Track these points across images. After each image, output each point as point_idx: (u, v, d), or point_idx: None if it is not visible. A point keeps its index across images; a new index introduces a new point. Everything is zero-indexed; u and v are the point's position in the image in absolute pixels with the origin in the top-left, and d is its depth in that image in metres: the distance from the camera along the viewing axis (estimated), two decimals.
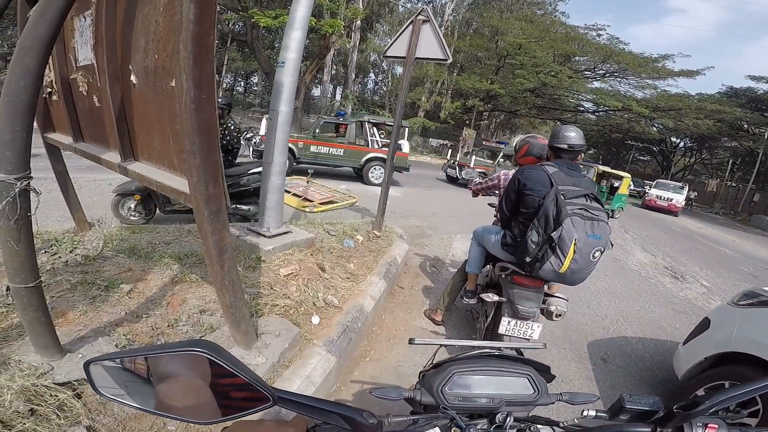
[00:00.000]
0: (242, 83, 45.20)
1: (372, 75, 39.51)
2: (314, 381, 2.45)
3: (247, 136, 11.28)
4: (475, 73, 29.79)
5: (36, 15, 1.60)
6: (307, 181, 8.35)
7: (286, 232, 3.80)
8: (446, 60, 4.84)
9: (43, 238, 3.54)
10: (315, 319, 3.03)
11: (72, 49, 2.75)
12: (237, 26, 24.85)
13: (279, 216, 3.79)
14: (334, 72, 30.77)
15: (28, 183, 1.53)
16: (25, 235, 1.62)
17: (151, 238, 3.89)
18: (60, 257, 3.29)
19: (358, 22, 24.01)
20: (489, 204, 4.23)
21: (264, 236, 3.64)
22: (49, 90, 3.19)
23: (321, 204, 7.10)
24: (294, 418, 0.80)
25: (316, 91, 31.65)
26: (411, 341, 1.15)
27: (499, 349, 1.08)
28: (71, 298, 2.75)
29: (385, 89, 37.13)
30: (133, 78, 2.15)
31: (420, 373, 1.09)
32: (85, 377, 0.64)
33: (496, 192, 3.68)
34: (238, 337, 2.37)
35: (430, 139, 31.01)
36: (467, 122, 31.20)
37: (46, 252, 3.32)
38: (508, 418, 0.83)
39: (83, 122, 3.05)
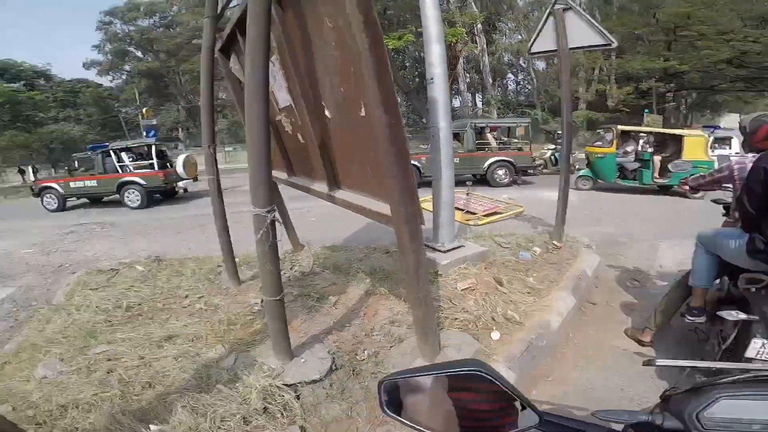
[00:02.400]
0: None
1: (510, 75, 36.75)
2: None
3: None
4: (640, 52, 25.44)
5: (249, 64, 1.97)
6: (467, 193, 8.30)
7: (459, 247, 3.86)
8: (609, 44, 4.23)
9: None
10: (495, 335, 2.95)
11: (272, 94, 3.19)
12: None
13: (452, 231, 3.88)
14: (468, 80, 30.03)
15: (275, 214, 1.96)
16: (274, 257, 2.06)
17: (347, 256, 4.48)
18: (285, 273, 4.07)
19: (479, 25, 23.22)
20: (714, 200, 3.45)
21: (439, 251, 3.77)
22: None
23: (485, 216, 6.97)
24: None
25: (456, 102, 31.38)
26: (649, 363, 1.01)
27: None
28: (294, 309, 3.34)
29: (530, 87, 34.30)
30: (327, 113, 2.45)
31: (662, 396, 0.96)
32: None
33: (729, 186, 2.99)
34: (425, 349, 2.47)
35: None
36: (646, 108, 26.38)
37: None
38: None
39: (293, 158, 3.70)
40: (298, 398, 2.33)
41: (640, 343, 3.23)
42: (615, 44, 4.33)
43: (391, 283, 3.63)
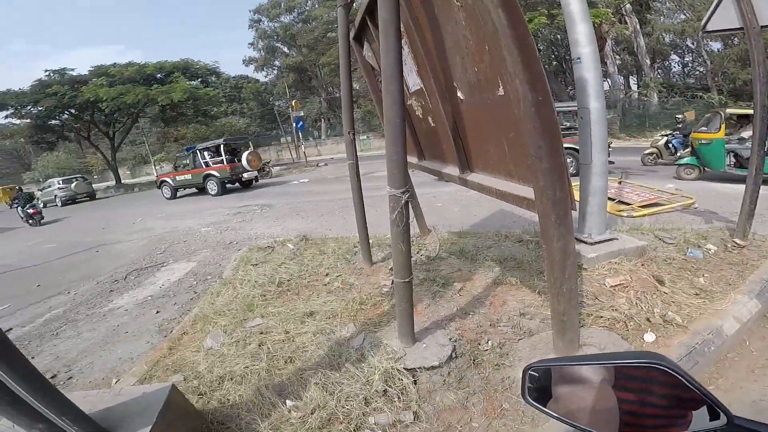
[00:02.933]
0: None
1: (675, 57, 31.32)
2: None
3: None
4: None
5: (383, 48, 1.99)
6: (619, 182, 7.28)
7: (611, 239, 3.41)
8: None
9: None
10: (649, 337, 2.59)
11: (403, 78, 3.32)
12: None
13: (602, 221, 3.46)
14: (620, 62, 26.63)
15: (409, 195, 1.98)
16: (407, 238, 2.10)
17: (475, 242, 4.36)
18: (412, 257, 4.17)
19: (628, 5, 20.35)
20: None
21: (585, 243, 3.39)
22: None
23: (642, 207, 5.99)
24: None
25: (605, 85, 27.95)
26: None
27: None
28: (419, 293, 3.38)
29: (702, 69, 28.66)
30: (459, 94, 2.39)
31: None
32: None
33: None
34: (561, 344, 2.26)
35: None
36: None
37: None
38: None
39: (423, 142, 3.71)
40: (416, 383, 2.36)
41: None
42: None
43: (523, 273, 3.41)
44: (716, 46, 25.68)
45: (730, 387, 2.42)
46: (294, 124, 24.09)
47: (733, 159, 8.48)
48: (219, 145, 14.62)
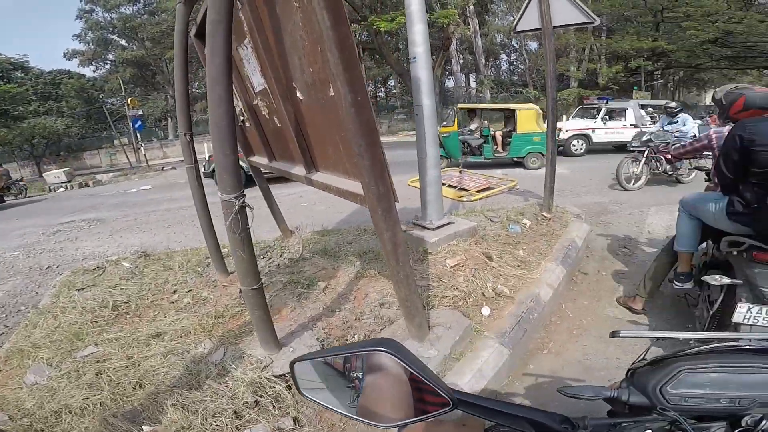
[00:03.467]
0: (382, 89, 47.75)
1: (504, 56, 37.52)
2: (485, 374, 2.37)
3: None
4: (629, 33, 26.34)
5: (209, 49, 1.90)
6: (459, 171, 8.30)
7: (448, 223, 3.81)
8: (592, 22, 4.28)
9: (260, 246, 4.35)
10: (485, 311, 2.94)
11: (247, 78, 3.14)
12: (363, 36, 26.56)
13: (440, 208, 3.82)
14: (462, 61, 30.34)
15: (243, 200, 1.88)
16: (247, 245, 1.99)
17: (337, 239, 4.41)
18: (273, 261, 4.01)
19: (471, 7, 23.24)
20: (696, 168, 3.44)
21: (428, 229, 3.71)
22: (242, 118, 3.83)
23: (478, 192, 6.92)
24: (471, 419, 0.76)
25: (450, 83, 31.50)
26: (614, 334, 0.98)
27: (737, 341, 0.85)
28: (283, 297, 3.29)
29: (522, 67, 34.81)
30: (299, 95, 2.38)
31: (628, 370, 0.94)
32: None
33: (707, 154, 2.99)
34: (413, 329, 2.44)
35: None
36: (635, 85, 26.95)
37: (263, 258, 4.09)
38: (764, 421, 0.66)
39: (272, 142, 3.60)
40: (290, 388, 2.29)
41: (632, 310, 3.24)
42: (597, 21, 4.37)
43: (380, 264, 3.58)
44: (534, 45, 31.00)
45: (558, 350, 2.86)
46: (131, 125, 21.02)
47: (467, 148, 10.20)
48: None
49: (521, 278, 3.37)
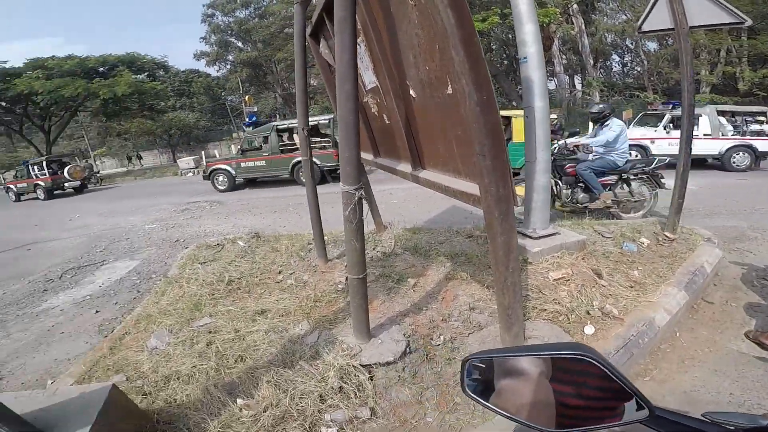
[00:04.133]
0: None
1: (615, 57, 33.71)
2: None
3: None
4: None
5: (338, 46, 1.99)
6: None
7: (553, 234, 3.59)
8: (741, 23, 3.70)
9: None
10: (588, 329, 2.72)
11: (359, 75, 3.18)
12: None
13: (545, 217, 3.62)
14: (565, 62, 28.11)
15: (362, 192, 1.98)
16: (360, 235, 2.09)
17: (428, 238, 4.42)
18: (367, 253, 4.16)
19: (575, 5, 21.37)
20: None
21: (530, 237, 3.54)
22: None
23: None
24: None
25: (551, 84, 29.43)
26: None
27: None
28: (375, 289, 3.39)
29: (639, 69, 31.05)
30: (412, 93, 2.41)
31: None
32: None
33: None
34: (507, 339, 2.34)
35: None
36: None
37: None
38: None
39: (379, 139, 3.73)
40: (372, 379, 2.37)
41: (765, 347, 2.75)
42: (749, 22, 3.76)
43: (472, 268, 3.51)
44: (653, 46, 27.70)
45: (664, 378, 2.58)
46: (247, 120, 23.37)
47: None
48: (42, 161, 17.60)
49: (634, 300, 3.06)
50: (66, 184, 17.56)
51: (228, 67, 35.42)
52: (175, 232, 7.31)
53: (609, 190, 5.56)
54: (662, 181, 5.43)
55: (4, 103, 23.76)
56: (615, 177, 5.54)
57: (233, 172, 12.20)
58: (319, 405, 2.15)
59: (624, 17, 26.05)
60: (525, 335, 2.50)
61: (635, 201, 5.53)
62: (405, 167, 2.88)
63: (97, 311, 4.10)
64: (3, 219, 12.30)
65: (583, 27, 24.37)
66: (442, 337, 2.71)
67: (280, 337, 2.82)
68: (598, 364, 0.58)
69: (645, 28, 4.14)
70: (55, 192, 17.33)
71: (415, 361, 2.51)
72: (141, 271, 5.24)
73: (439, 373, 2.43)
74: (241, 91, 29.84)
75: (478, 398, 0.70)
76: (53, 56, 24.37)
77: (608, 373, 0.57)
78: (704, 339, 2.97)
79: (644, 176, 5.45)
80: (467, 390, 0.71)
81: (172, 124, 29.83)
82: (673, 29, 3.87)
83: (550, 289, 3.06)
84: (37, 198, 17.52)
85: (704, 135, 9.92)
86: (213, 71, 36.36)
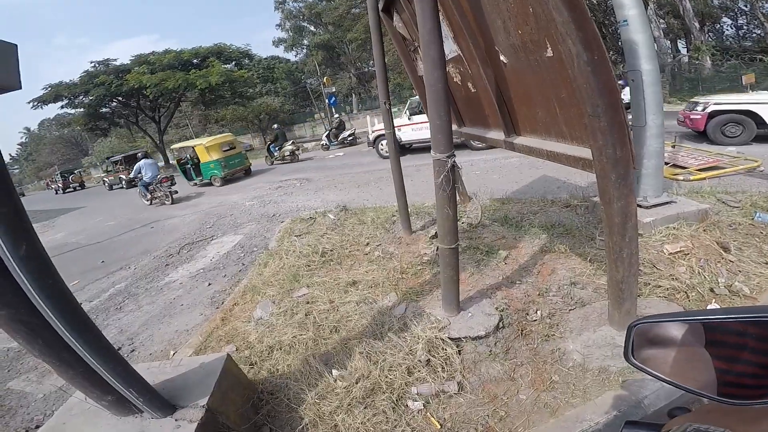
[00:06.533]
0: None
1: (727, 20, 28.56)
2: None
3: None
4: None
5: (420, 16, 1.92)
6: (672, 145, 6.78)
7: (668, 202, 3.21)
8: None
9: None
10: (713, 308, 2.41)
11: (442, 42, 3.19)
12: None
13: (659, 184, 3.26)
14: (665, 26, 24.49)
15: (454, 159, 1.93)
16: (453, 203, 2.05)
17: (519, 209, 4.24)
18: None
19: None
20: None
21: (641, 207, 3.21)
22: None
23: (700, 170, 5.56)
24: None
25: None
26: None
27: None
28: (463, 261, 3.28)
29: (759, 32, 26.05)
30: (502, 58, 2.27)
31: None
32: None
33: None
34: (617, 315, 2.17)
35: None
36: None
37: None
38: None
39: (462, 109, 3.60)
40: (460, 353, 2.34)
41: None
42: None
43: (572, 240, 3.28)
44: None
45: None
46: (327, 100, 24.05)
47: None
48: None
49: None
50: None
51: (304, 51, 36.55)
52: (271, 207, 7.88)
53: None
54: None
55: (120, 98, 26.78)
56: None
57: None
58: (406, 378, 2.17)
59: None
60: (637, 313, 2.29)
61: None
62: (497, 134, 2.75)
63: (209, 284, 4.51)
64: (119, 203, 14.01)
65: None
66: (539, 313, 2.60)
67: (370, 309, 2.91)
68: None
69: None
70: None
71: (509, 337, 2.45)
72: (244, 245, 5.68)
73: (535, 349, 2.34)
74: (318, 74, 30.70)
75: (644, 366, 0.65)
76: (153, 51, 27.09)
77: None
78: None
79: None
80: (632, 357, 0.66)
81: (260, 109, 31.84)
82: None
83: (666, 263, 2.77)
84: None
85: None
86: (291, 56, 37.91)
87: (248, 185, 11.52)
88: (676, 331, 0.61)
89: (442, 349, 2.33)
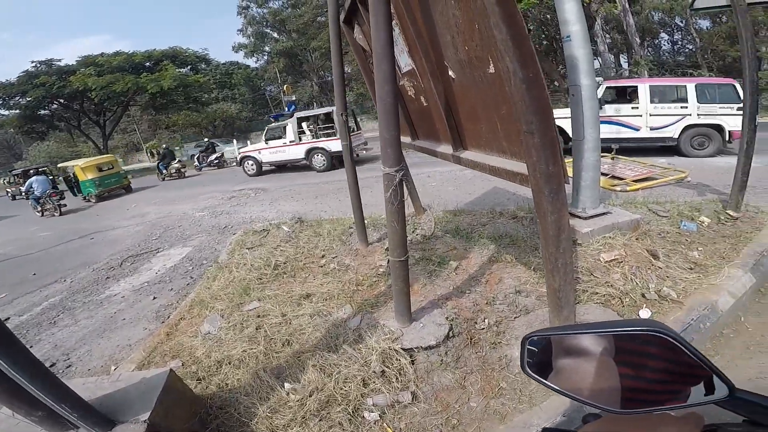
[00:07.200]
0: None
1: (664, 35, 31.79)
2: None
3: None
4: None
5: (374, 25, 1.97)
6: (612, 157, 7.31)
7: (604, 213, 3.42)
8: None
9: None
10: (644, 313, 2.62)
11: (395, 58, 3.26)
12: None
13: (595, 195, 3.47)
14: (610, 41, 26.76)
15: (403, 174, 1.97)
16: (401, 217, 2.09)
17: (470, 220, 4.36)
18: (407, 237, 4.16)
19: None
20: None
21: (579, 218, 3.41)
22: None
23: (635, 181, 6.01)
24: (689, 414, 0.64)
25: (595, 64, 28.25)
26: None
27: None
28: (416, 272, 3.38)
29: (691, 47, 29.11)
30: (451, 73, 2.35)
31: None
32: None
33: None
34: (557, 322, 2.26)
35: None
36: None
37: None
38: None
39: (416, 122, 3.68)
40: (413, 363, 2.37)
41: None
42: None
43: (518, 250, 3.42)
44: (705, 24, 26.00)
45: (726, 364, 2.42)
46: (287, 109, 23.78)
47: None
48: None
49: (694, 283, 2.88)
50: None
51: (265, 57, 35.98)
52: (223, 218, 7.63)
53: None
54: None
55: (62, 100, 25.34)
56: None
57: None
58: (362, 389, 2.18)
59: None
60: (576, 320, 2.41)
61: None
62: (445, 149, 2.83)
63: (154, 297, 4.32)
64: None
65: (627, 5, 23.13)
66: (486, 321, 2.68)
67: (324, 321, 2.88)
68: (675, 342, 0.54)
69: (697, 5, 4.01)
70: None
71: (459, 345, 2.50)
72: (193, 258, 5.49)
73: (483, 357, 2.40)
74: (279, 81, 30.34)
75: (539, 378, 0.67)
76: (102, 53, 25.74)
77: (686, 351, 0.54)
78: None
79: None
80: (527, 369, 0.68)
81: (216, 115, 30.91)
82: (728, 6, 3.71)
83: (602, 271, 2.94)
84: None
85: (290, 142, 12.53)
86: (252, 62, 37.10)
87: (199, 195, 11.10)
88: (583, 344, 0.64)
89: (396, 359, 2.35)
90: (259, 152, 13.40)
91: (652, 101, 8.13)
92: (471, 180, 6.98)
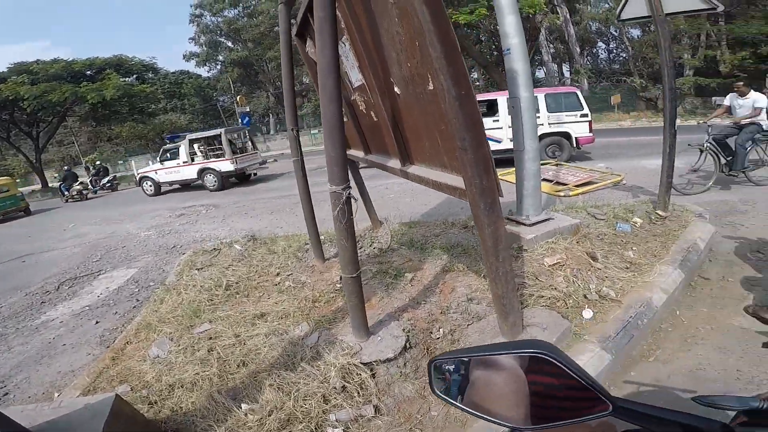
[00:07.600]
0: None
1: (601, 44, 34.43)
2: None
3: None
4: (754, 17, 21.60)
5: (319, 44, 1.99)
6: (556, 164, 7.76)
7: (547, 219, 3.60)
8: (714, 8, 3.87)
9: None
10: (587, 313, 2.74)
11: (345, 74, 3.25)
12: None
13: (537, 203, 3.63)
14: (553, 51, 28.52)
15: (350, 191, 1.98)
16: (351, 234, 2.10)
17: (424, 232, 4.43)
18: (364, 250, 4.16)
19: None
20: None
21: (524, 224, 3.56)
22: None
23: (577, 186, 6.40)
24: (603, 424, 0.68)
25: (540, 73, 29.85)
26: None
27: None
28: (372, 286, 3.40)
29: (624, 56, 31.71)
30: (396, 89, 2.41)
31: None
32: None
33: None
34: (505, 328, 2.36)
35: (714, 98, 23.59)
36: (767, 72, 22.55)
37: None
38: None
39: (368, 136, 3.72)
40: (374, 376, 2.38)
41: (765, 321, 2.78)
42: (721, 8, 3.93)
43: (469, 259, 3.52)
44: (636, 33, 28.23)
45: (667, 358, 2.59)
46: (240, 120, 23.19)
47: None
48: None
49: (630, 281, 3.08)
50: None
51: (218, 67, 35.09)
52: (171, 238, 7.29)
53: None
54: None
55: None
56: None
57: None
58: (323, 406, 2.16)
59: (607, 5, 26.39)
60: (523, 323, 2.51)
61: None
62: (394, 163, 2.88)
63: (97, 322, 4.10)
64: None
65: (569, 16, 24.70)
66: (441, 330, 2.72)
67: (280, 340, 2.83)
68: (555, 361, 0.57)
69: (623, 16, 4.29)
70: None
71: (416, 356, 2.53)
72: (139, 280, 5.23)
73: None
74: (232, 92, 29.57)
75: (446, 398, 0.70)
76: (38, 60, 24.07)
77: (566, 370, 0.57)
78: (704, 316, 2.98)
79: None
80: (436, 390, 0.71)
81: (163, 126, 29.55)
82: (650, 17, 3.98)
83: (547, 275, 3.08)
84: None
85: (183, 162, 12.98)
86: (204, 72, 36.08)
87: (145, 212, 10.54)
88: (498, 362, 0.66)
89: (356, 374, 2.35)
90: (156, 173, 13.88)
91: (509, 113, 8.68)
92: (426, 191, 7.01)
